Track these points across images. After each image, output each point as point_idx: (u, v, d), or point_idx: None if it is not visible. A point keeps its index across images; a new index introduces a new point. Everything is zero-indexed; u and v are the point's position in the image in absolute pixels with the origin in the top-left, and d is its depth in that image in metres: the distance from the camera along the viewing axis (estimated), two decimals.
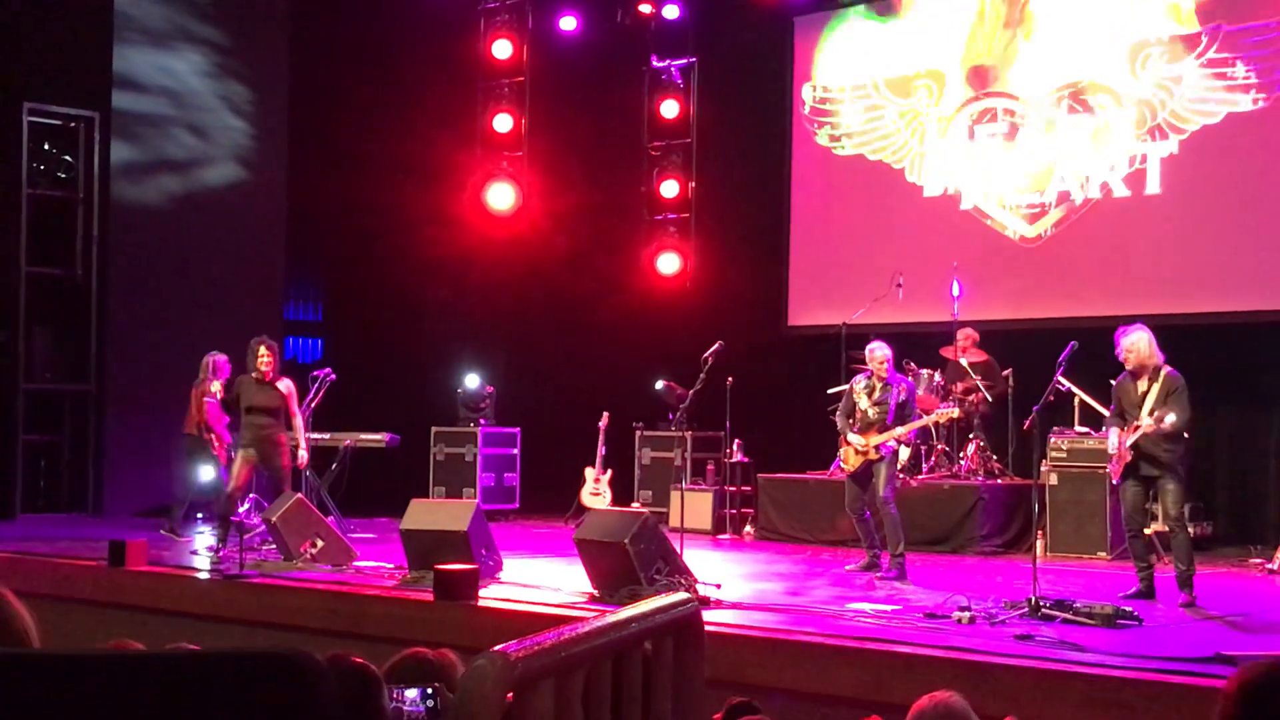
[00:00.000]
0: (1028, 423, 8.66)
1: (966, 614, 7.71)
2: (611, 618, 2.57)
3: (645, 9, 15.67)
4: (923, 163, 14.31)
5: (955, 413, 11.31)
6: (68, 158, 14.47)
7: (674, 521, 11.27)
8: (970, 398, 12.45)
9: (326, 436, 12.73)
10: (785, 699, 6.60)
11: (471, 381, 15.35)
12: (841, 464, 10.53)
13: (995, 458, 12.49)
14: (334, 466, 12.61)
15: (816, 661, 7.05)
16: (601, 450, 14.07)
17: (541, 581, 9.39)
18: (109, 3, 14.57)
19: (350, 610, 8.82)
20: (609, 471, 14.07)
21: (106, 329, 14.53)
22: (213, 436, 12.10)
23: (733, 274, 15.33)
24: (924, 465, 12.57)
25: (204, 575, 10.04)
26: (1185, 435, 9.10)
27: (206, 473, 13.72)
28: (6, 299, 14.06)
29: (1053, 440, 11.57)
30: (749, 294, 15.25)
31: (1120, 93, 13.12)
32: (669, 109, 15.94)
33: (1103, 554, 11.26)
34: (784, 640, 7.31)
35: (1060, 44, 13.49)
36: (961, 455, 12.49)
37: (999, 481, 12.21)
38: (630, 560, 8.35)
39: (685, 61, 15.89)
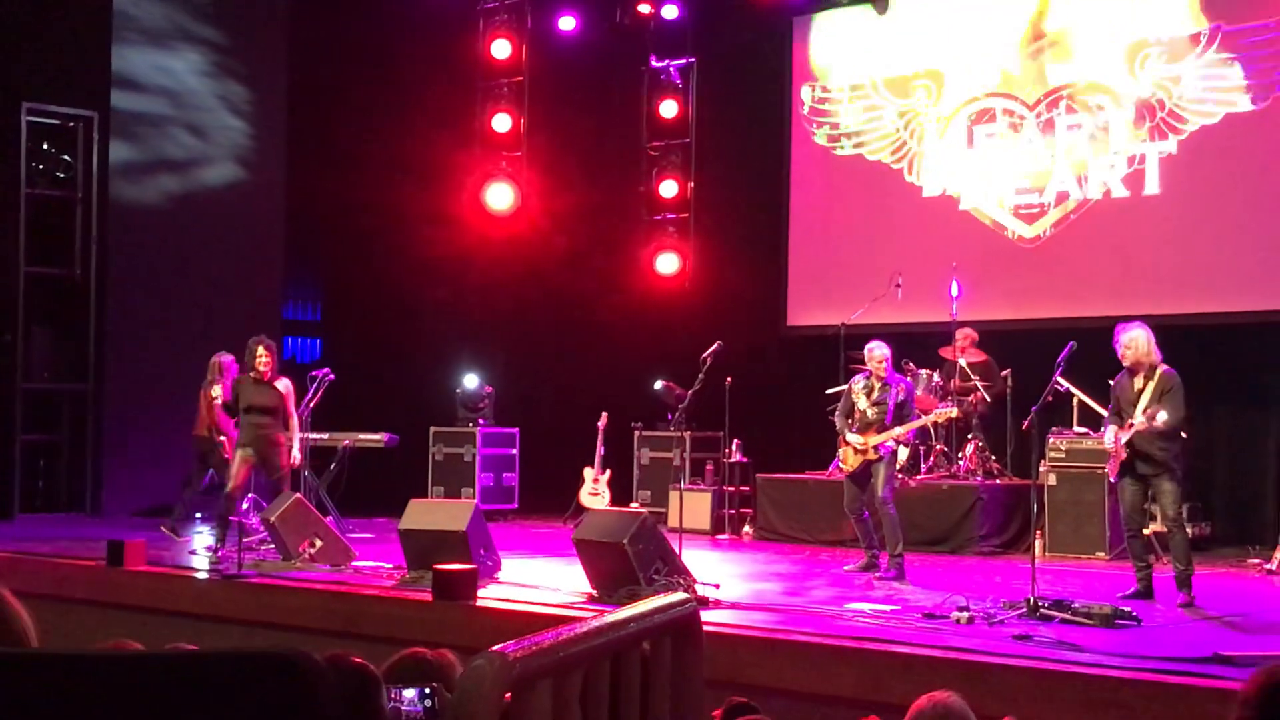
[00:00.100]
0: (1026, 423, 8.66)
1: (965, 614, 7.71)
2: (610, 618, 2.57)
3: (644, 9, 15.67)
4: (921, 163, 14.31)
5: (954, 413, 11.32)
6: (66, 157, 14.47)
7: (673, 521, 11.27)
8: (969, 398, 12.46)
9: (325, 436, 12.73)
10: (784, 699, 6.60)
11: (470, 381, 15.35)
12: (840, 464, 10.53)
13: (994, 458, 12.50)
14: (333, 466, 12.60)
15: (815, 662, 7.05)
16: (600, 450, 14.07)
17: (540, 582, 9.39)
18: (108, 2, 14.56)
19: (349, 610, 8.82)
20: (608, 471, 14.07)
21: (105, 329, 14.52)
22: (224, 439, 12.07)
23: (731, 274, 15.33)
24: (923, 465, 12.57)
25: (202, 575, 10.04)
26: (1183, 435, 9.11)
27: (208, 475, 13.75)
28: (5, 299, 14.06)
29: (1051, 440, 11.57)
30: (748, 294, 15.25)
31: (1119, 93, 13.13)
32: (668, 109, 15.94)
33: (1101, 554, 11.26)
34: (783, 640, 7.31)
35: (1059, 44, 13.48)
36: (960, 455, 12.49)
37: (997, 482, 12.22)
38: (629, 560, 8.35)
39: (684, 61, 15.89)
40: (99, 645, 3.93)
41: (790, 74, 15.27)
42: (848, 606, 8.37)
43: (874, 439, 10.06)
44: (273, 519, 10.30)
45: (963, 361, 12.61)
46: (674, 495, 12.17)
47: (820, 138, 15.00)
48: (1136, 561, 8.89)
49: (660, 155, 16.01)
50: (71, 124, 14.50)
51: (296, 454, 11.31)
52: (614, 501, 13.84)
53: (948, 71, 14.18)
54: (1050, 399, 9.00)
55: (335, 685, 1.97)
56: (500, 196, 15.76)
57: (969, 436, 12.55)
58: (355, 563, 10.20)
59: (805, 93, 15.13)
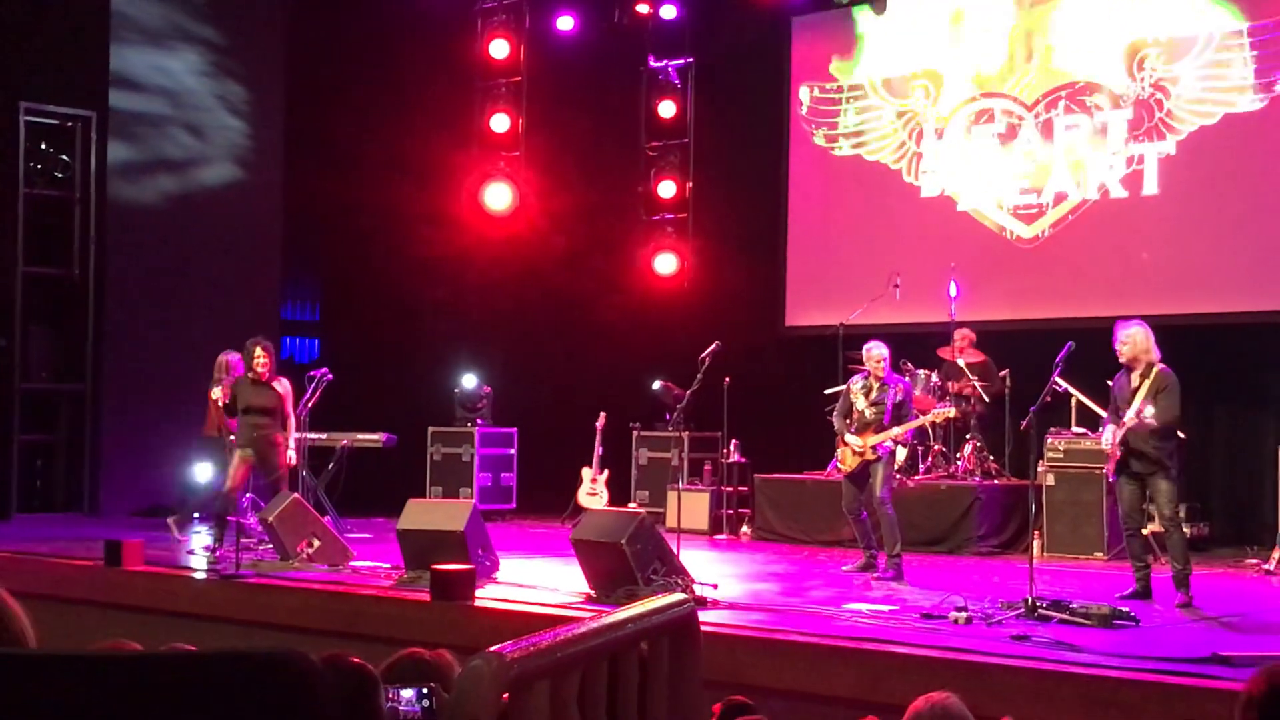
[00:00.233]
0: (1025, 423, 8.67)
1: (963, 614, 7.71)
2: (608, 619, 2.57)
3: (642, 9, 15.67)
4: (920, 163, 14.31)
5: (952, 413, 11.31)
6: (64, 157, 14.46)
7: (671, 522, 11.27)
8: (967, 399, 12.45)
9: (323, 436, 12.73)
10: (782, 699, 6.61)
11: (468, 381, 15.35)
12: (838, 464, 10.53)
13: (992, 458, 12.50)
14: (331, 466, 12.60)
15: (813, 662, 7.05)
16: (598, 450, 14.07)
17: (538, 582, 9.39)
18: (106, 2, 14.56)
19: (347, 610, 8.82)
20: (606, 471, 14.07)
21: (103, 329, 14.51)
22: (234, 438, 12.05)
23: (730, 274, 15.33)
24: (921, 466, 12.57)
25: (200, 575, 10.04)
26: (1180, 434, 9.12)
27: (205, 472, 13.75)
28: (3, 299, 14.04)
29: (1049, 441, 11.58)
30: (746, 294, 15.25)
31: (1117, 93, 13.13)
32: (666, 109, 15.93)
33: (1099, 554, 11.27)
34: (780, 641, 7.31)
35: (1057, 44, 13.49)
36: (958, 456, 12.49)
37: (996, 482, 12.22)
38: (627, 560, 8.36)
39: (682, 62, 15.89)
40: (97, 645, 3.93)
41: (789, 74, 15.26)
42: (846, 607, 8.37)
43: (872, 439, 10.06)
44: (271, 519, 10.30)
45: (961, 362, 12.61)
46: (672, 495, 12.16)
47: (819, 138, 15.00)
48: (1135, 561, 8.90)
49: (658, 155, 16.01)
50: (70, 124, 14.50)
51: (293, 454, 11.31)
52: (612, 501, 13.84)
53: (946, 72, 14.18)
54: (1048, 399, 9.00)
55: (333, 685, 1.97)
56: (498, 196, 15.77)
57: (967, 437, 12.55)
58: (353, 563, 10.20)
59: (804, 93, 15.13)
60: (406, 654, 3.72)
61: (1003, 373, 12.36)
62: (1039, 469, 11.12)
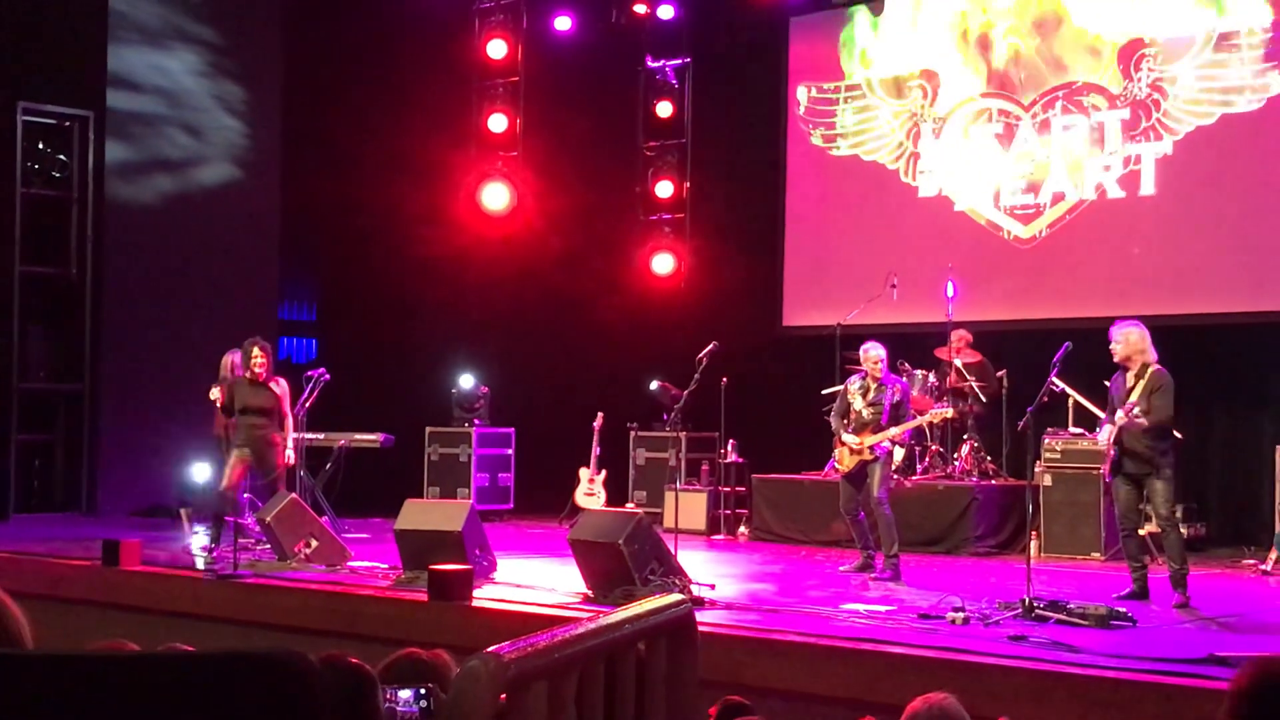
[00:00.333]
0: (1022, 424, 8.67)
1: (960, 615, 7.71)
2: (605, 619, 2.57)
3: (640, 9, 15.67)
4: (917, 163, 14.32)
5: (949, 413, 11.32)
6: (62, 157, 14.45)
7: (668, 522, 11.27)
8: (964, 399, 12.46)
9: (321, 437, 12.73)
10: (779, 700, 6.61)
11: (466, 382, 15.34)
12: (836, 464, 10.54)
13: (989, 458, 12.51)
14: (328, 467, 12.60)
15: (810, 662, 7.05)
16: (596, 450, 14.06)
17: (536, 582, 9.39)
18: (104, 2, 14.55)
19: (344, 610, 8.82)
20: (603, 472, 14.06)
21: (101, 328, 14.50)
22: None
23: (727, 274, 15.33)
24: (918, 466, 12.57)
25: (198, 575, 10.03)
26: (1176, 434, 9.13)
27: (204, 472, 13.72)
28: (1, 298, 14.04)
29: (1047, 441, 11.59)
30: (743, 294, 15.25)
31: (1114, 94, 13.14)
32: (664, 109, 15.93)
33: (1097, 555, 11.27)
34: (778, 641, 7.31)
35: (1055, 45, 13.49)
36: (956, 456, 12.50)
37: (993, 482, 12.23)
38: (624, 561, 8.36)
39: (680, 62, 15.89)
40: (95, 646, 3.93)
41: (786, 74, 15.27)
42: (843, 607, 8.38)
43: (870, 439, 10.07)
44: (268, 519, 10.29)
45: (958, 362, 12.62)
46: (669, 495, 12.16)
47: (816, 138, 15.00)
48: (1131, 562, 8.91)
49: (656, 155, 16.01)
50: (67, 123, 14.49)
51: (291, 454, 11.31)
52: (609, 502, 13.84)
53: (943, 72, 14.18)
54: (1046, 400, 9.00)
55: (331, 686, 1.97)
56: (496, 197, 15.76)
57: (964, 437, 12.55)
58: (351, 563, 10.20)
59: (801, 93, 15.13)
60: (404, 654, 3.73)
61: (1000, 373, 12.36)
62: (1036, 469, 11.12)
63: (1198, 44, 12.68)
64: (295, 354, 16.18)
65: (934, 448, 12.62)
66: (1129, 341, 8.79)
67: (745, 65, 15.81)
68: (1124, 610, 7.88)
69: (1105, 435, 8.89)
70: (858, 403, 10.21)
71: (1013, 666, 6.59)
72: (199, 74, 15.29)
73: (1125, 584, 8.92)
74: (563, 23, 16.14)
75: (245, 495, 11.69)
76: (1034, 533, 10.88)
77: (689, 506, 12.84)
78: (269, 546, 10.48)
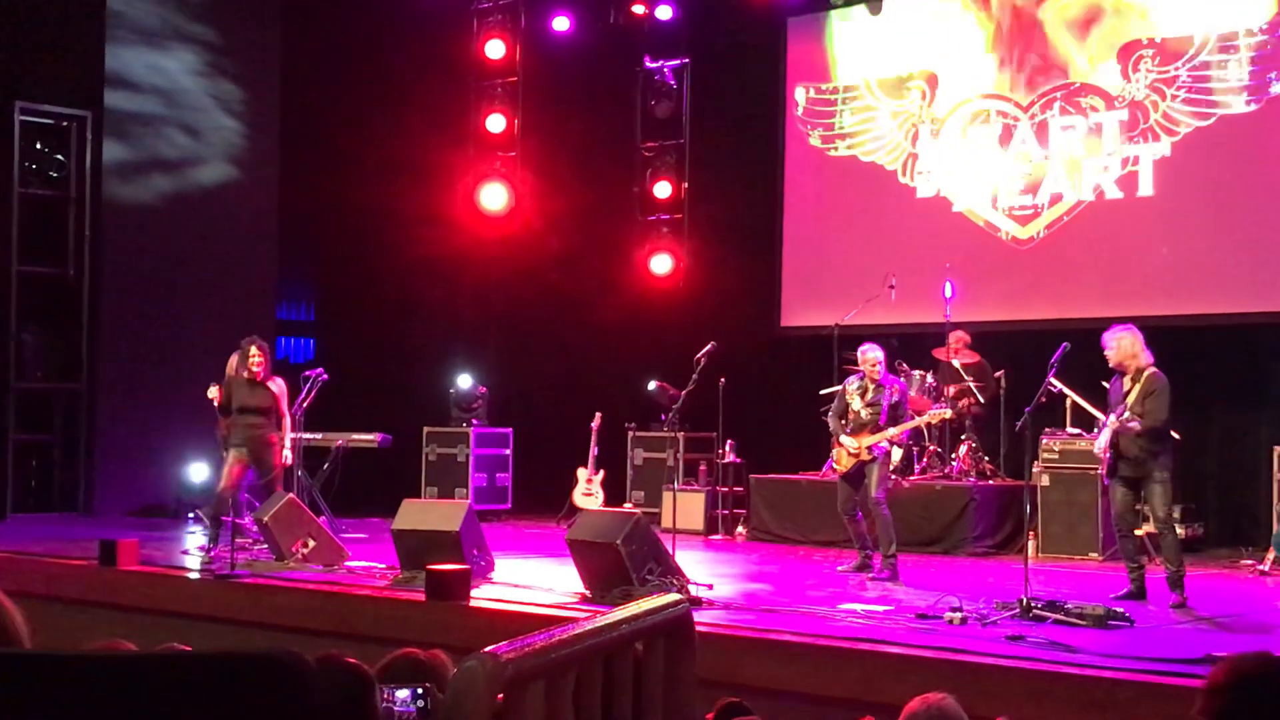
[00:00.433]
0: (1020, 424, 8.68)
1: (958, 615, 7.72)
2: (603, 619, 2.57)
3: (638, 9, 15.66)
4: (915, 164, 14.32)
5: (947, 414, 11.32)
6: (59, 157, 14.45)
7: (666, 522, 11.28)
8: (962, 400, 12.46)
9: (319, 436, 12.72)
10: (777, 700, 6.61)
11: (464, 382, 15.34)
12: (834, 465, 10.54)
13: (987, 459, 12.51)
14: (326, 466, 12.59)
15: (808, 662, 7.06)
16: (594, 451, 14.06)
17: (533, 582, 9.39)
18: (101, 2, 14.54)
19: (342, 610, 8.82)
20: (601, 472, 14.06)
21: (98, 328, 14.50)
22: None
23: (725, 275, 15.32)
24: (916, 466, 12.57)
25: (195, 575, 10.03)
26: (1174, 435, 9.13)
27: (201, 472, 13.73)
28: None
29: (1044, 442, 11.59)
30: (741, 295, 15.24)
31: (1113, 95, 13.14)
32: (662, 109, 15.92)
33: (1094, 555, 11.28)
34: (776, 641, 7.32)
35: (1053, 46, 13.49)
36: (953, 456, 12.50)
37: (991, 483, 12.23)
38: (622, 561, 8.36)
39: (678, 62, 15.88)
40: (92, 646, 3.93)
41: (784, 75, 15.26)
42: (841, 607, 8.38)
43: (867, 440, 10.07)
44: (266, 519, 10.29)
45: (956, 363, 12.62)
46: (667, 496, 12.18)
47: (814, 139, 15.00)
48: (1129, 562, 8.91)
49: (654, 156, 15.99)
50: (65, 123, 14.48)
51: (289, 454, 11.30)
52: (607, 502, 13.84)
53: (942, 73, 14.18)
54: (1043, 400, 9.01)
55: (328, 685, 1.97)
56: (494, 197, 15.76)
57: (962, 438, 12.55)
58: (348, 563, 10.20)
59: (799, 94, 15.13)
60: (401, 654, 3.72)
61: (998, 374, 12.37)
62: (1034, 470, 11.13)
63: (1195, 45, 12.69)
64: (293, 354, 16.18)
65: (932, 448, 12.62)
66: (1121, 347, 8.80)
67: (743, 66, 15.81)
68: (1121, 610, 7.88)
69: (1101, 440, 8.90)
70: (856, 403, 10.22)
71: (1010, 666, 6.59)
72: (197, 74, 15.29)
73: (1123, 584, 8.92)
74: (561, 23, 16.14)
75: (244, 495, 11.69)
76: (1031, 533, 10.91)
77: (687, 506, 12.84)
78: (266, 546, 10.47)
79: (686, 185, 15.84)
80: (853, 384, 10.38)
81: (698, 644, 3.00)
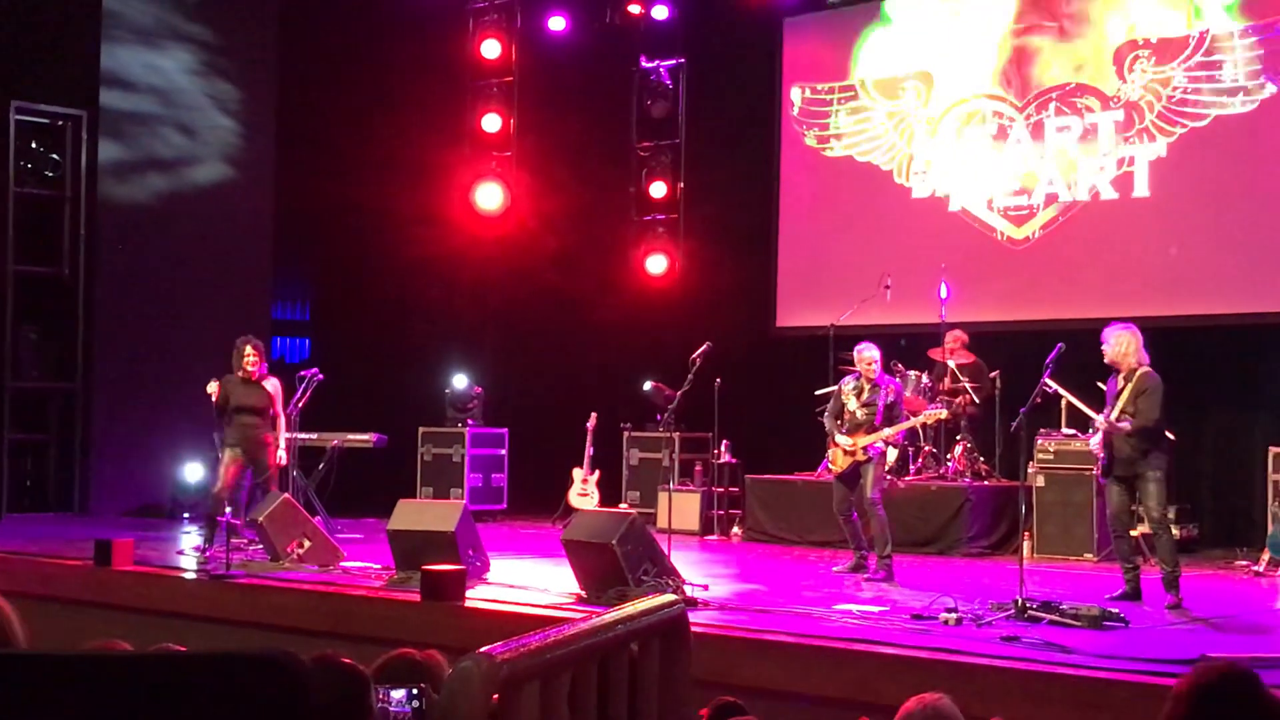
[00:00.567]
0: (1015, 425, 8.69)
1: (953, 615, 7.72)
2: (598, 620, 2.57)
3: (634, 9, 15.66)
4: (911, 164, 14.32)
5: (943, 414, 11.32)
6: (55, 156, 14.43)
7: (661, 522, 11.27)
8: (957, 400, 12.47)
9: (314, 436, 12.71)
10: (772, 700, 6.61)
11: (459, 382, 15.34)
12: (829, 465, 10.54)
13: (982, 459, 12.51)
14: (321, 467, 12.59)
15: (803, 662, 7.06)
16: (589, 451, 14.07)
17: (529, 582, 9.39)
18: (97, 0, 14.53)
19: (337, 610, 8.81)
20: (597, 472, 14.07)
21: (93, 328, 14.49)
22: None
23: (721, 275, 15.33)
24: (911, 467, 12.58)
25: (190, 575, 10.02)
26: (1169, 436, 9.14)
27: (197, 472, 13.71)
28: None
29: (1040, 442, 11.60)
30: (737, 295, 15.25)
31: (1108, 95, 13.15)
32: (658, 109, 15.92)
33: (1089, 555, 11.29)
34: (771, 641, 7.32)
35: (1048, 46, 13.50)
36: (949, 457, 12.50)
37: (986, 483, 12.23)
38: (618, 561, 8.36)
39: (674, 62, 15.88)
40: (87, 646, 3.93)
41: (780, 75, 15.27)
42: (836, 608, 8.38)
43: (863, 440, 10.07)
44: (261, 519, 10.28)
45: (951, 363, 12.62)
46: (663, 496, 12.18)
47: (810, 139, 15.01)
48: (1124, 563, 8.92)
49: (650, 156, 16.00)
50: (60, 123, 14.47)
51: (284, 454, 11.29)
52: (603, 502, 13.84)
53: (937, 73, 14.19)
54: (1039, 401, 9.02)
55: (323, 686, 1.97)
56: (490, 197, 15.77)
57: (957, 438, 12.56)
58: (343, 563, 10.19)
59: (795, 94, 15.13)
60: (397, 654, 3.73)
61: (993, 374, 12.37)
62: (1029, 470, 11.14)
63: (1191, 45, 12.70)
64: (289, 354, 16.16)
65: (927, 448, 12.63)
66: (1119, 344, 8.82)
67: (739, 66, 15.82)
68: (1116, 611, 7.89)
69: (1096, 439, 8.92)
70: (851, 403, 10.22)
71: (1005, 667, 6.60)
72: (193, 73, 15.28)
73: (1117, 585, 8.92)
74: (557, 23, 16.14)
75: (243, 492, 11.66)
76: (1027, 533, 10.91)
77: (682, 507, 12.85)
78: (262, 547, 10.46)
79: (682, 185, 15.85)
80: (848, 384, 10.38)
81: (693, 644, 3.00)
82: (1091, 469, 10.31)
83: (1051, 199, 13.44)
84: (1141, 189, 12.97)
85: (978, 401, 12.48)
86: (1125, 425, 8.60)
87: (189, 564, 10.48)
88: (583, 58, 16.21)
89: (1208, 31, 12.61)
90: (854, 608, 8.35)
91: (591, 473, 14.04)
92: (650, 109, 15.95)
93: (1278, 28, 12.28)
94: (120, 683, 1.91)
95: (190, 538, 11.88)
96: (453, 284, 16.27)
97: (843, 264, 14.55)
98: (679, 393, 10.74)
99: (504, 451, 15.06)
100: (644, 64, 16.01)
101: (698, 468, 13.83)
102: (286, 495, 10.77)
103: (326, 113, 15.41)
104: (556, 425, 15.01)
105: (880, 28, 14.58)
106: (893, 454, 11.82)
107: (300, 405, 11.86)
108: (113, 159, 14.68)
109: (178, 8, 15.16)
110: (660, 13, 15.68)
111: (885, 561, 9.91)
